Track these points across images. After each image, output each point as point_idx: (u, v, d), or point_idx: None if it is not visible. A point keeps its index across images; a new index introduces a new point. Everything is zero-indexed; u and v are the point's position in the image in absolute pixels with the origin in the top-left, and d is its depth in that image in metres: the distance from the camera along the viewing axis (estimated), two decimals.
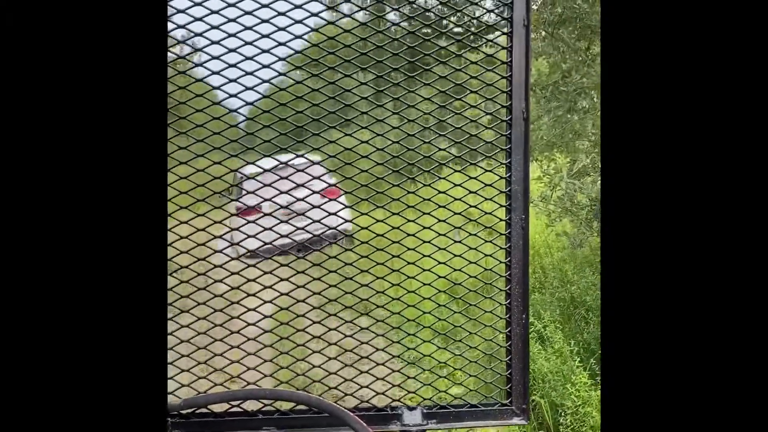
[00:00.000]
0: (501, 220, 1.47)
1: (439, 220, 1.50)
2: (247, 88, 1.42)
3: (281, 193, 1.47)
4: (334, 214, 1.53)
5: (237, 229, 1.47)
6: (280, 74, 1.44)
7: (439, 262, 1.50)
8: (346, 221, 1.56)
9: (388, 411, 1.44)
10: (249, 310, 1.48)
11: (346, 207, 1.55)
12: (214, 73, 1.40)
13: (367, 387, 1.47)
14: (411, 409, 1.44)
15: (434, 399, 1.47)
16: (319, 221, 1.50)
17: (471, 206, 1.51)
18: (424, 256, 1.50)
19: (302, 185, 1.48)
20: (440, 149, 1.52)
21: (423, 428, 1.43)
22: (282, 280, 1.48)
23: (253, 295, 1.47)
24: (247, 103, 1.42)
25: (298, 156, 1.49)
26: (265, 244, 1.48)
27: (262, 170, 1.49)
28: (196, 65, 1.44)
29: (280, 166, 1.47)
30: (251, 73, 1.41)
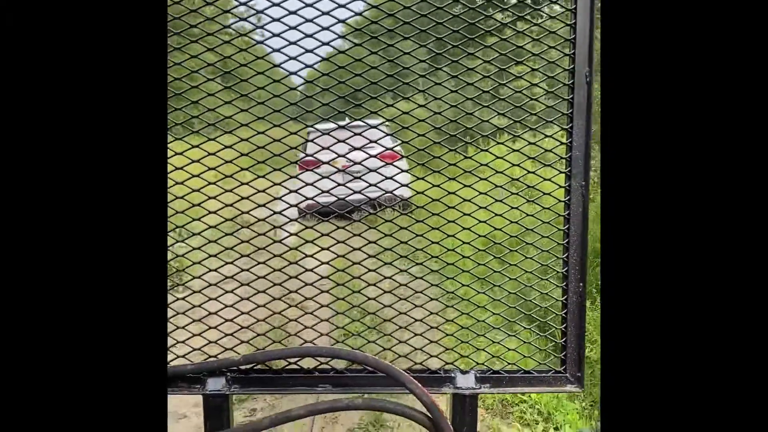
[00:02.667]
0: (560, 186, 1.40)
1: (496, 186, 1.44)
2: (306, 51, 1.38)
3: (347, 152, 1.45)
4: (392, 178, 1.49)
5: (311, 183, 1.46)
6: (339, 36, 1.40)
7: (495, 229, 1.44)
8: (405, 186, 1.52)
9: (441, 374, 1.40)
10: (306, 270, 1.46)
11: (404, 172, 1.51)
12: (274, 34, 1.37)
13: (420, 350, 1.44)
14: (464, 372, 1.40)
15: (487, 364, 1.42)
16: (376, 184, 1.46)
17: (530, 172, 1.44)
18: (480, 222, 1.44)
19: (373, 141, 1.45)
20: (499, 113, 1.45)
21: (476, 392, 1.38)
22: (339, 242, 1.46)
23: (311, 256, 1.45)
24: (307, 66, 1.39)
25: (371, 114, 1.46)
26: (337, 200, 1.45)
27: (335, 126, 1.46)
28: (256, 27, 1.42)
29: (350, 124, 1.44)
30: (311, 35, 1.37)
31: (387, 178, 1.46)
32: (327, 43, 1.38)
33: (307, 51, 1.37)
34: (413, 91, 1.47)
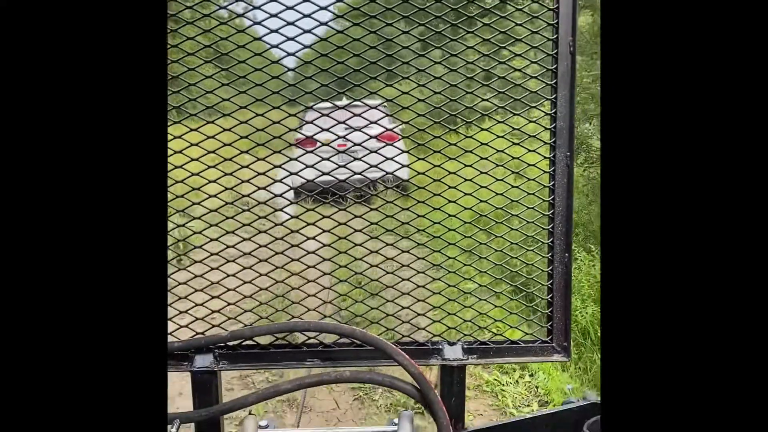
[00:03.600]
0: (545, 157, 1.38)
1: (481, 158, 1.41)
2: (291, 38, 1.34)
3: (337, 123, 1.41)
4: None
5: (296, 158, 1.42)
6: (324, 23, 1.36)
7: (481, 201, 1.42)
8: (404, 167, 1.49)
9: (428, 346, 1.39)
10: (291, 246, 1.44)
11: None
12: (256, 23, 1.33)
13: (407, 322, 1.43)
14: (451, 344, 1.39)
15: (474, 335, 1.41)
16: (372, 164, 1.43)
17: (515, 143, 1.42)
18: (465, 194, 1.42)
19: (369, 121, 1.42)
20: (483, 83, 1.41)
21: (463, 363, 1.38)
22: (324, 216, 1.43)
23: (297, 231, 1.42)
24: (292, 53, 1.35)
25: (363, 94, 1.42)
26: (322, 173, 1.42)
27: (328, 103, 1.42)
28: (240, 15, 1.37)
29: (349, 105, 1.41)
30: (294, 23, 1.32)
31: (373, 151, 1.42)
32: (310, 31, 1.33)
33: (290, 39, 1.32)
34: (404, 72, 1.42)
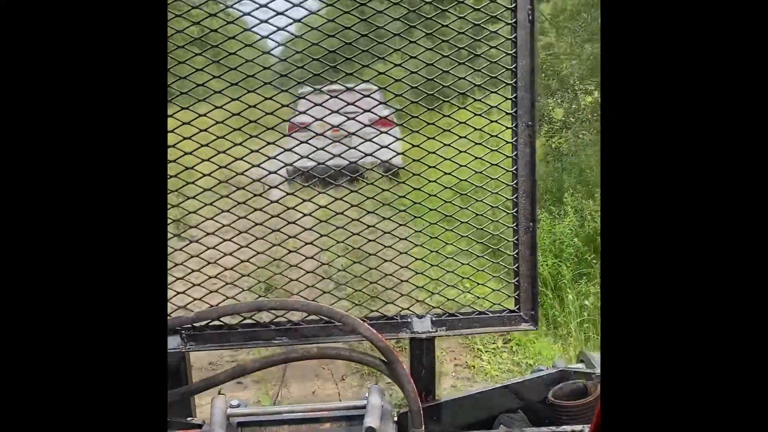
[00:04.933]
0: (507, 128, 1.35)
1: (445, 128, 1.38)
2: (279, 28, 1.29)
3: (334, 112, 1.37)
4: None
5: (290, 148, 1.38)
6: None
7: (445, 173, 1.39)
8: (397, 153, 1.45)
9: (397, 320, 1.37)
10: (257, 224, 1.39)
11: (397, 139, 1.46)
12: (246, 14, 1.28)
13: (376, 297, 1.40)
14: (420, 317, 1.37)
15: (443, 307, 1.39)
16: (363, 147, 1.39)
17: (475, 114, 1.38)
18: (429, 167, 1.39)
19: (362, 107, 1.38)
20: (444, 55, 1.37)
21: (432, 335, 1.36)
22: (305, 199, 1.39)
23: (274, 214, 1.38)
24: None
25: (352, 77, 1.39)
26: (318, 164, 1.39)
27: (323, 91, 1.38)
28: (228, 7, 1.32)
29: (338, 91, 1.36)
30: (283, 13, 1.28)
31: (367, 139, 1.39)
32: (297, 4, 1.29)
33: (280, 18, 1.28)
34: (387, 52, 1.38)
